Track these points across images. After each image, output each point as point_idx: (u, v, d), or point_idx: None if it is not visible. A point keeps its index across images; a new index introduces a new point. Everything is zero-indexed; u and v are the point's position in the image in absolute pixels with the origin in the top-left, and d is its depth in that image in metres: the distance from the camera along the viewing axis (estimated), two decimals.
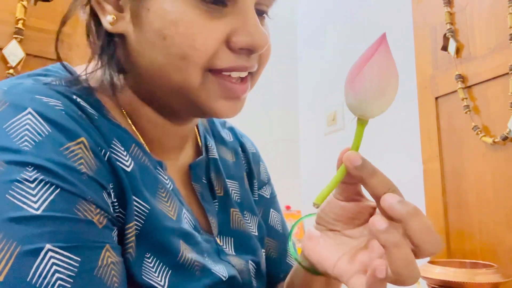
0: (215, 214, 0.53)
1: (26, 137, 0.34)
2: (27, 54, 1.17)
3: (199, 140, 0.57)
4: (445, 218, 1.51)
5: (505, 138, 1.25)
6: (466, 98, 1.39)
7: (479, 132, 1.33)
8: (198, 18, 0.39)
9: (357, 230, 0.43)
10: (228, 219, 0.54)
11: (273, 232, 0.63)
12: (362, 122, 0.37)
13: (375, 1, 2.11)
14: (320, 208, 0.44)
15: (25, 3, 1.16)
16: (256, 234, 0.58)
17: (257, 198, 0.63)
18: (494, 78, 1.31)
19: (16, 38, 1.15)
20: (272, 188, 0.67)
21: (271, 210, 0.64)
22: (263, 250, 0.59)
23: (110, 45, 0.43)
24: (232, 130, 0.65)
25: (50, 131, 0.35)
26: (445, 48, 1.47)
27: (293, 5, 2.97)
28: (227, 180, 0.57)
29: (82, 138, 0.37)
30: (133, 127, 0.47)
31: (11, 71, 1.13)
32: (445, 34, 1.46)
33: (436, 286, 1.09)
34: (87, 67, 0.45)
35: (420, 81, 1.63)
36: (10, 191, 0.32)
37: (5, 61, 1.14)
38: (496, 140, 1.27)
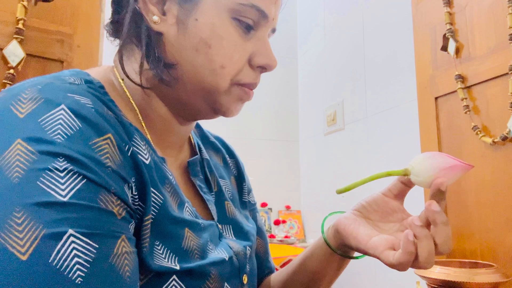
0: (214, 204, 0.58)
1: (59, 131, 0.37)
2: (28, 54, 1.17)
3: (192, 141, 0.63)
4: None
5: (504, 138, 1.25)
6: (465, 98, 1.40)
7: (478, 132, 1.33)
8: (237, 38, 0.49)
9: (388, 225, 0.54)
10: (224, 210, 0.60)
11: (261, 233, 0.71)
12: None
13: (375, 1, 2.11)
14: (366, 199, 0.56)
15: (25, 3, 1.16)
16: (249, 225, 0.64)
17: (246, 200, 0.70)
18: (493, 78, 1.31)
19: (16, 38, 1.15)
20: (254, 196, 0.77)
21: (257, 213, 0.73)
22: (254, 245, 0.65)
23: (154, 42, 0.49)
24: (219, 139, 0.73)
25: (81, 126, 0.39)
26: (444, 48, 1.47)
27: (293, 5, 2.97)
28: (219, 178, 0.63)
29: (109, 135, 0.40)
30: (143, 123, 0.51)
31: (11, 71, 1.14)
32: (444, 34, 1.47)
33: (436, 286, 1.09)
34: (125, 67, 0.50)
35: (420, 81, 1.63)
36: (41, 178, 0.35)
37: (5, 61, 1.14)
38: (495, 140, 1.27)
